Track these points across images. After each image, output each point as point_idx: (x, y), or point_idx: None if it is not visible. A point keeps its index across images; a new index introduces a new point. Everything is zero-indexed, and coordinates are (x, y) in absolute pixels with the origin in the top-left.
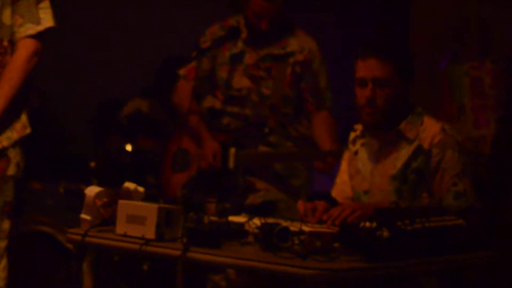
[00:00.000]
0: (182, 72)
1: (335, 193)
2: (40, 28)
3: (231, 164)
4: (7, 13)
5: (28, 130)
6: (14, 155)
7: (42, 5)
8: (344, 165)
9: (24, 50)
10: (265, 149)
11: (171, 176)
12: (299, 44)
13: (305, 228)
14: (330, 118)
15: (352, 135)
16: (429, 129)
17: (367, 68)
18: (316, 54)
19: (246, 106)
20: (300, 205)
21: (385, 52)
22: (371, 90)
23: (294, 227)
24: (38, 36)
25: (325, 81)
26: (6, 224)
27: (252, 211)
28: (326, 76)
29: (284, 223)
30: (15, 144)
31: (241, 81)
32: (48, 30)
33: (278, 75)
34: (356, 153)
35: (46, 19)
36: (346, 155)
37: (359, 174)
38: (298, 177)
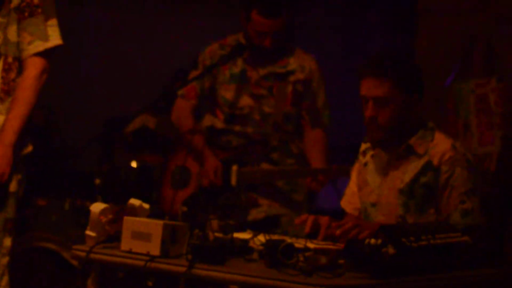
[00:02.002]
0: (180, 92)
1: (344, 203)
2: (48, 45)
3: (233, 181)
4: (12, 30)
5: (29, 148)
6: (16, 172)
7: (50, 22)
8: (353, 176)
9: (34, 68)
10: (267, 166)
11: (170, 193)
12: (299, 63)
13: (310, 245)
14: (324, 137)
15: (363, 146)
16: (440, 146)
17: (366, 87)
18: (316, 73)
19: (247, 125)
20: (303, 216)
21: (382, 71)
22: (372, 109)
23: (299, 243)
24: (46, 53)
25: (323, 100)
26: (7, 241)
27: (255, 226)
28: (324, 95)
29: (289, 240)
30: (17, 161)
31: (243, 100)
32: (56, 48)
33: (280, 94)
34: (365, 164)
35: (55, 37)
36: (356, 166)
37: (367, 186)
38: (300, 192)
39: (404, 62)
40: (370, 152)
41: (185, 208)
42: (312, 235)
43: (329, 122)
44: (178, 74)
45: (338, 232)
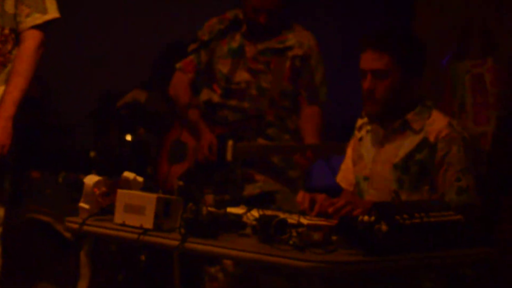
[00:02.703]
0: (178, 65)
1: (339, 179)
2: (47, 17)
3: (229, 156)
4: (10, 2)
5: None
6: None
7: None
8: (349, 152)
9: (33, 40)
10: (263, 142)
11: (168, 168)
12: (298, 39)
13: (303, 221)
14: (320, 113)
15: (359, 121)
16: (436, 123)
17: (365, 60)
18: (315, 49)
19: (244, 100)
20: (300, 195)
21: (382, 44)
22: (370, 82)
23: (292, 219)
24: (44, 26)
25: (321, 76)
26: (0, 212)
27: (250, 202)
28: (322, 72)
29: (282, 215)
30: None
31: (240, 75)
32: (53, 20)
33: (277, 69)
34: (360, 139)
35: (52, 9)
36: (351, 142)
37: (361, 160)
38: (295, 169)
39: (405, 38)
40: (366, 127)
41: (181, 183)
42: (307, 212)
43: (325, 99)
44: (170, 48)
45: (330, 209)
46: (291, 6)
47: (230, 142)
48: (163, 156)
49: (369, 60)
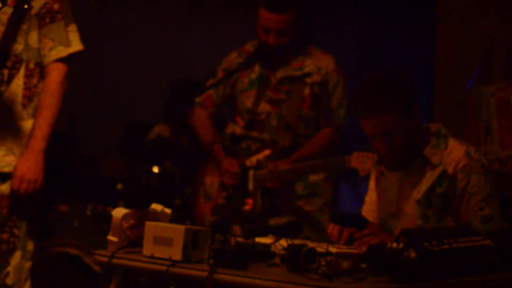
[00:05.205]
0: (198, 99)
1: (365, 212)
2: (70, 50)
3: (250, 186)
4: (33, 36)
5: None
6: None
7: (70, 28)
8: (372, 184)
9: (58, 73)
10: (286, 167)
11: (202, 205)
12: (316, 65)
13: (332, 249)
14: (331, 133)
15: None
16: (454, 153)
17: (371, 126)
18: (333, 74)
19: (264, 130)
20: (330, 227)
21: (378, 109)
22: (383, 144)
23: (320, 248)
24: (67, 59)
25: (338, 100)
26: (30, 246)
27: (277, 232)
28: (340, 95)
29: (311, 244)
30: None
31: (261, 106)
32: (76, 53)
33: (294, 95)
34: (382, 173)
35: (76, 42)
36: (373, 174)
37: (386, 196)
38: (321, 196)
39: (394, 86)
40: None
41: (213, 219)
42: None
43: (343, 122)
44: (179, 86)
45: (357, 243)
46: (306, 30)
47: (251, 172)
48: (198, 193)
49: (373, 126)
